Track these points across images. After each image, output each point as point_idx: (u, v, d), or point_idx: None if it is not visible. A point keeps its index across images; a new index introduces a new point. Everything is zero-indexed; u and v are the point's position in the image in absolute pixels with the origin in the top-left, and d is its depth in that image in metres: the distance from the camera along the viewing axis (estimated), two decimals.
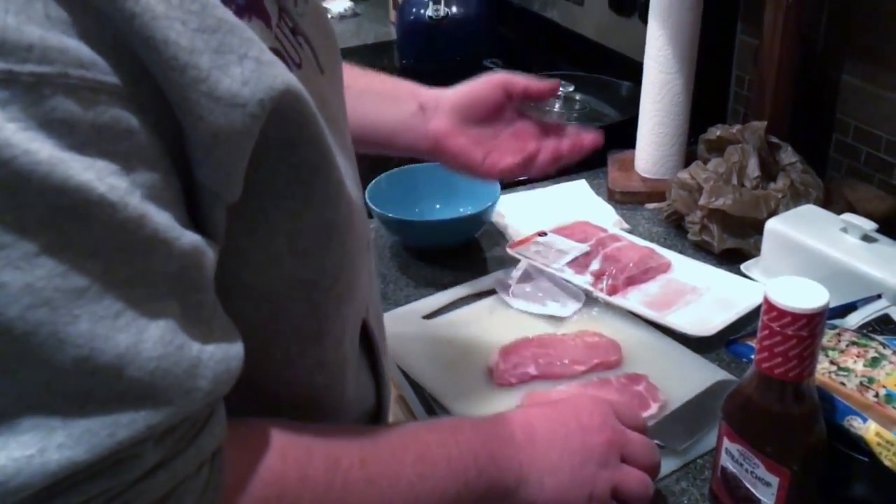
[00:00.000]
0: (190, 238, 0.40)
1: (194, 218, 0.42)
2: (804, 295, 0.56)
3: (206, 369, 0.40)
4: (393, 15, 1.96)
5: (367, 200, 1.06)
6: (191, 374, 0.39)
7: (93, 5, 0.36)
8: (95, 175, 0.35)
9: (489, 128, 0.85)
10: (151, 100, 0.38)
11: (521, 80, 0.87)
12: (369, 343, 0.62)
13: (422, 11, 1.71)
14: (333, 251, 0.52)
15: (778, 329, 0.56)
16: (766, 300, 0.56)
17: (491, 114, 0.85)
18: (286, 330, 0.51)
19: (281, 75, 0.43)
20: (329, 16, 2.04)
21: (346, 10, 2.07)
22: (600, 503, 0.62)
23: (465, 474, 0.57)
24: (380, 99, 0.85)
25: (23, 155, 0.33)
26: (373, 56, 1.85)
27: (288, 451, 0.48)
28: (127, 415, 0.37)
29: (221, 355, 0.41)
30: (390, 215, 1.02)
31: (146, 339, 0.37)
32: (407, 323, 0.92)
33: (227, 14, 0.41)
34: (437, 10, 1.68)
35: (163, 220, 0.38)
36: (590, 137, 0.85)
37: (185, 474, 0.41)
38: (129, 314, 0.37)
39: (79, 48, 0.35)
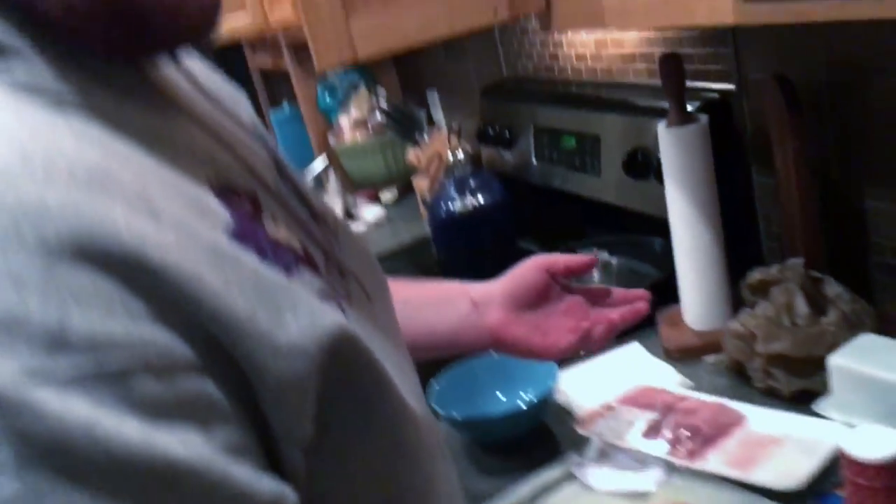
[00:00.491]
0: (269, 486, 0.42)
1: (274, 464, 0.44)
2: (882, 442, 0.56)
3: None
4: (424, 213, 2.07)
5: (430, 404, 1.08)
6: None
7: (165, 295, 0.40)
8: (182, 446, 0.38)
9: (541, 310, 0.89)
10: (222, 364, 0.42)
11: (561, 259, 0.92)
12: None
13: (451, 206, 1.80)
14: (405, 469, 0.53)
15: (864, 483, 0.56)
16: (844, 455, 0.56)
17: (540, 297, 0.90)
18: None
19: (333, 319, 0.46)
20: (364, 225, 2.16)
21: (379, 217, 2.19)
22: None
23: None
24: (435, 306, 0.89)
25: (116, 437, 0.36)
26: (411, 256, 1.94)
27: None
28: None
29: None
30: (455, 416, 1.04)
31: None
32: None
33: (278, 275, 0.45)
34: (465, 204, 1.77)
35: (244, 474, 0.41)
36: (640, 303, 0.88)
37: None
38: None
39: (155, 333, 0.39)
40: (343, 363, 0.47)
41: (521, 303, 0.88)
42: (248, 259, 0.44)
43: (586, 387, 1.15)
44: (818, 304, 1.05)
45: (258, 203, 0.51)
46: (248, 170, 0.54)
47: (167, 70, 0.54)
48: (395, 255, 1.96)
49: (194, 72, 0.60)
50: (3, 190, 0.37)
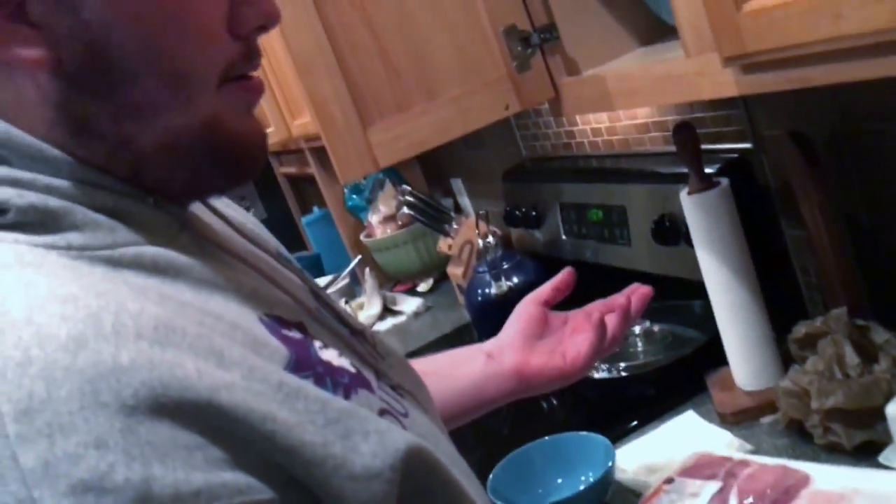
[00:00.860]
0: None
1: None
2: None
3: None
4: (462, 300, 2.09)
5: (491, 497, 1.07)
6: None
7: (241, 437, 0.42)
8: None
9: (551, 337, 0.93)
10: (300, 495, 0.43)
11: (544, 288, 0.97)
12: None
13: (487, 290, 1.81)
14: None
15: None
16: None
17: (544, 326, 0.94)
18: None
19: (401, 436, 0.48)
20: (405, 317, 2.18)
21: (418, 307, 2.21)
22: None
23: None
24: (452, 369, 0.91)
25: None
26: (454, 342, 1.94)
27: None
28: None
29: None
30: (514, 501, 1.03)
31: None
32: None
33: (342, 402, 0.48)
34: (500, 287, 1.79)
35: None
36: (641, 288, 0.91)
37: None
38: None
39: (236, 478, 0.41)
40: (417, 477, 0.49)
41: (529, 336, 0.92)
42: (311, 389, 0.46)
43: (646, 461, 1.13)
44: (868, 353, 1.03)
45: (306, 330, 0.54)
46: (292, 298, 0.57)
47: (195, 208, 0.58)
48: (438, 343, 1.97)
49: (217, 205, 0.63)
50: (78, 354, 0.39)
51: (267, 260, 0.62)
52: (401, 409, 0.56)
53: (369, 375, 0.56)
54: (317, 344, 0.53)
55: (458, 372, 0.91)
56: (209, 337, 0.44)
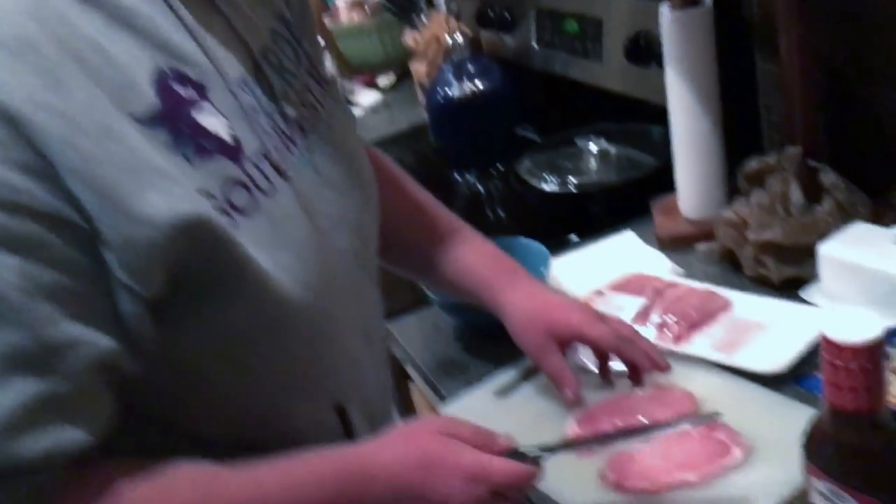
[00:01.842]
0: (67, 330, 0.50)
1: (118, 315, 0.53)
2: (860, 326, 0.56)
3: (35, 443, 0.50)
4: (422, 98, 2.03)
5: (424, 287, 1.09)
6: (10, 439, 0.50)
7: (34, 150, 0.48)
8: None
9: None
10: (75, 217, 0.49)
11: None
12: (348, 429, 0.69)
13: (448, 92, 1.76)
14: (269, 351, 0.60)
15: (840, 364, 0.57)
16: (823, 337, 0.57)
17: None
18: (230, 411, 0.62)
19: (194, 209, 0.53)
20: (361, 110, 2.13)
21: (376, 102, 2.15)
22: None
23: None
24: (463, 254, 0.92)
25: None
26: (408, 142, 1.91)
27: (99, 494, 0.55)
28: None
29: (53, 439, 0.51)
30: (445, 300, 1.05)
31: None
32: (481, 402, 0.94)
33: (153, 154, 0.52)
34: (462, 89, 1.74)
35: (44, 311, 0.49)
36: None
37: None
38: None
39: (13, 177, 0.47)
40: (200, 247, 0.53)
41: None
42: (139, 141, 0.52)
43: (578, 274, 1.15)
44: (813, 194, 1.04)
45: (205, 94, 0.58)
46: (232, 54, 0.61)
47: None
48: (393, 141, 1.93)
49: None
50: None
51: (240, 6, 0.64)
52: (265, 187, 0.60)
53: (249, 145, 0.60)
54: (204, 107, 0.57)
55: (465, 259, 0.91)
56: (64, 66, 0.50)
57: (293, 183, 0.65)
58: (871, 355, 0.56)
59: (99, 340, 0.52)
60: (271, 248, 0.60)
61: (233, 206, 0.58)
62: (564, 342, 0.86)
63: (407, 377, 1.18)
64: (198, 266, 0.55)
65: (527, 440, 0.85)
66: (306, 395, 0.66)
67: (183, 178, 0.54)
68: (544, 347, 0.85)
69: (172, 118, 0.55)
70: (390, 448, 0.66)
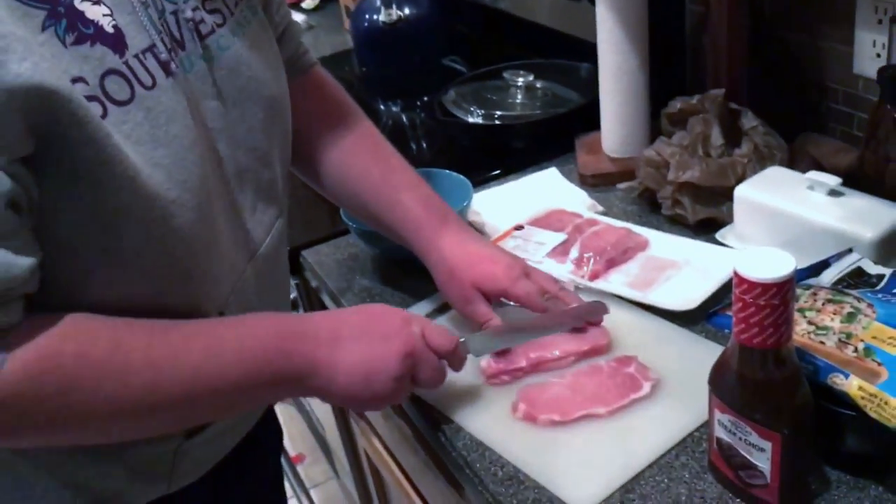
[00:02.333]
0: None
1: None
2: (772, 264, 0.57)
3: None
4: (347, 23, 1.97)
5: (343, 216, 1.07)
6: None
7: None
8: None
9: None
10: None
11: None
12: None
13: (375, 17, 1.71)
14: (139, 242, 0.61)
15: (750, 300, 0.57)
16: (736, 274, 0.58)
17: None
18: (110, 299, 0.63)
19: (54, 84, 0.53)
20: None
21: (301, 23, 2.07)
22: (383, 402, 0.74)
23: (253, 362, 0.66)
24: (401, 195, 0.91)
25: None
26: (332, 67, 1.84)
27: (70, 333, 0.59)
28: None
29: (2, 263, 0.54)
30: (362, 227, 1.03)
31: None
32: None
33: (20, 26, 0.53)
34: (389, 15, 1.69)
35: None
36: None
37: None
38: None
39: None
40: (57, 123, 0.54)
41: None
42: (7, 9, 0.52)
43: (500, 209, 1.15)
44: (734, 137, 1.05)
45: None
46: None
47: None
48: None
49: None
50: None
51: None
52: (146, 81, 0.60)
53: (137, 42, 0.60)
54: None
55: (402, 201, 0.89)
56: None
57: (180, 83, 0.64)
58: (779, 292, 0.57)
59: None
60: (148, 143, 0.60)
61: (107, 95, 0.58)
62: (489, 297, 0.86)
63: (323, 306, 1.16)
64: (59, 143, 0.56)
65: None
66: (186, 296, 0.68)
67: (51, 57, 0.54)
68: (469, 299, 0.86)
69: (50, 0, 0.55)
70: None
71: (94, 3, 0.58)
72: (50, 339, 0.58)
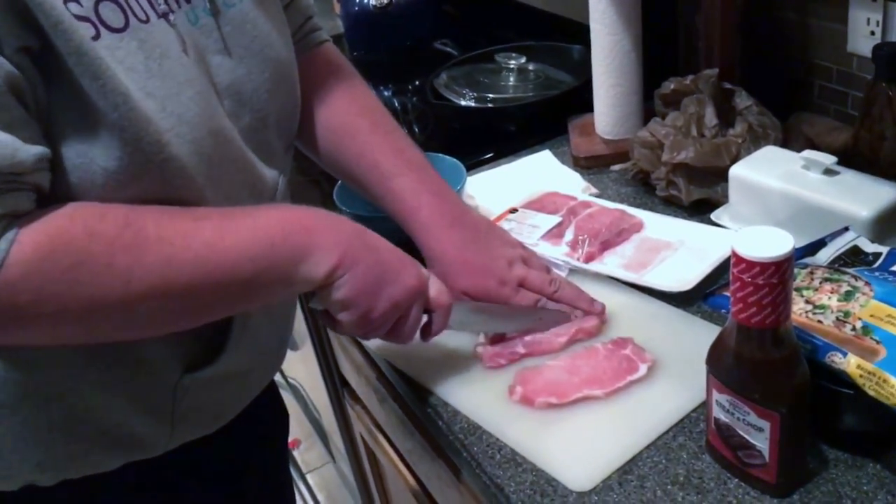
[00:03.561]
0: None
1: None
2: (770, 243, 0.57)
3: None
4: (338, 7, 1.95)
5: (336, 200, 1.06)
6: None
7: None
8: None
9: None
10: None
11: None
12: None
13: (365, 1, 1.70)
14: (138, 168, 0.60)
15: (748, 280, 0.57)
16: (734, 253, 0.57)
17: None
18: None
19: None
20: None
21: None
22: (373, 318, 0.72)
23: (269, 237, 0.65)
24: (392, 182, 0.89)
25: None
26: None
27: (77, 213, 0.58)
28: None
29: (7, 147, 0.54)
30: (360, 213, 1.02)
31: None
32: None
33: None
34: None
35: None
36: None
37: None
38: None
39: None
40: (34, 21, 0.55)
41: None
42: None
43: (494, 192, 1.14)
44: (727, 117, 1.05)
45: None
46: None
47: None
48: None
49: None
50: None
51: None
52: (140, 15, 0.61)
53: None
54: None
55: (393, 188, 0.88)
56: None
57: (179, 31, 0.64)
58: (778, 271, 0.56)
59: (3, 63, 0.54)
60: (142, 72, 0.60)
61: (100, 19, 0.58)
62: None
63: None
64: (52, 54, 0.56)
65: (435, 352, 0.85)
66: None
67: None
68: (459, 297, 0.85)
69: None
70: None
71: None
72: (59, 218, 0.57)
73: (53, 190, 0.59)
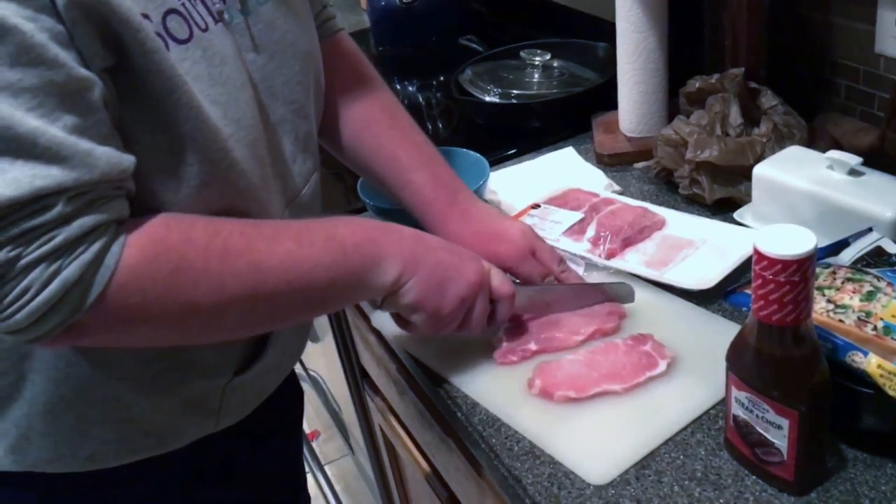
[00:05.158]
0: (82, 72, 0.55)
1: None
2: (792, 241, 0.57)
3: (99, 159, 0.56)
4: (364, 2, 1.96)
5: (360, 193, 1.07)
6: (88, 155, 0.55)
7: None
8: (11, 13, 0.52)
9: None
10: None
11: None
12: None
13: None
14: (205, 174, 0.63)
15: (770, 277, 0.57)
16: (756, 250, 0.58)
17: None
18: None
19: (114, 3, 0.56)
20: None
21: None
22: (445, 316, 0.76)
23: (342, 246, 0.69)
24: (411, 175, 0.91)
25: None
26: None
27: (172, 223, 0.62)
28: (44, 169, 0.53)
29: (113, 156, 0.57)
30: (382, 206, 1.03)
31: (54, 124, 0.53)
32: None
33: None
34: None
35: (61, 53, 0.54)
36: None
37: (91, 227, 0.56)
38: (39, 109, 0.53)
39: None
40: (118, 40, 0.57)
41: None
42: None
43: (517, 188, 1.15)
44: (752, 116, 1.05)
45: None
46: None
47: None
48: None
49: None
50: None
51: None
52: (200, 23, 0.63)
53: None
54: None
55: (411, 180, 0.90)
56: None
57: (228, 30, 0.67)
58: (800, 269, 0.56)
59: (100, 83, 0.56)
60: (205, 80, 0.63)
61: (168, 32, 0.61)
62: None
63: None
64: (131, 71, 0.58)
65: (455, 343, 0.85)
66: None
67: None
68: None
69: None
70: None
71: None
72: (156, 226, 0.61)
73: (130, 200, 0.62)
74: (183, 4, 0.62)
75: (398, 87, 1.63)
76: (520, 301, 0.83)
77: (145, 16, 0.59)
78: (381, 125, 0.92)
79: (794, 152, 0.96)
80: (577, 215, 1.02)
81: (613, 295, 0.88)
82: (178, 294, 0.60)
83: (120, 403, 0.72)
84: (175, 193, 0.64)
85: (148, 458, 0.76)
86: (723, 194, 1.01)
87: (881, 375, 0.62)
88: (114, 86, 0.58)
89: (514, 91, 1.39)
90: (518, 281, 0.87)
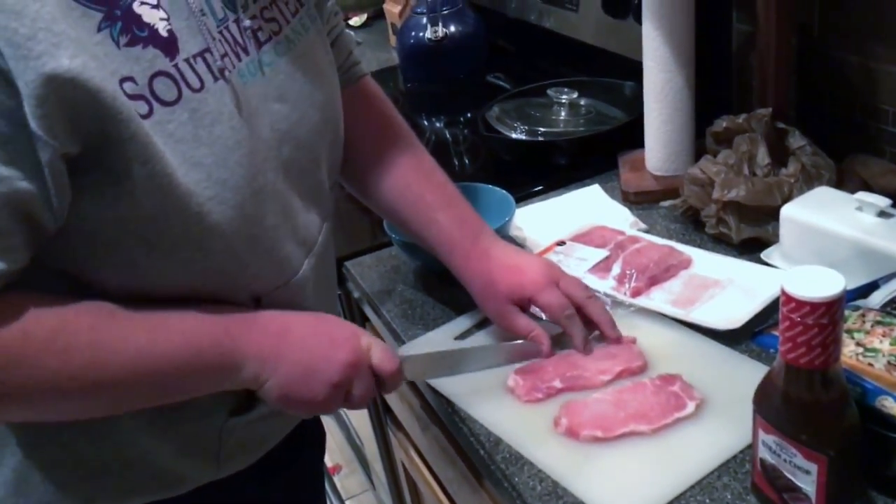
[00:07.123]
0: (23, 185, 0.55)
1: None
2: (821, 283, 0.57)
3: None
4: (393, 40, 1.99)
5: (385, 228, 1.08)
6: None
7: None
8: None
9: None
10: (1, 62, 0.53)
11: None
12: None
13: (421, 34, 1.73)
14: (177, 236, 0.63)
15: (798, 319, 0.57)
16: (784, 292, 0.57)
17: None
18: (140, 282, 0.66)
19: (101, 83, 0.56)
20: None
21: None
22: (315, 407, 0.74)
23: (198, 345, 0.68)
24: (438, 214, 0.92)
25: None
26: (378, 82, 1.88)
27: (17, 311, 0.60)
28: None
29: None
30: (406, 240, 1.04)
31: None
32: (440, 345, 0.93)
33: (76, 26, 0.56)
34: (435, 32, 1.71)
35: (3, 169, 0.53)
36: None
37: None
38: None
39: None
40: (90, 111, 0.56)
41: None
42: (64, 9, 0.55)
43: (543, 225, 1.15)
44: (780, 156, 1.04)
45: None
46: None
47: None
48: None
49: None
50: None
51: None
52: (194, 84, 0.63)
53: (189, 47, 0.63)
54: (144, 3, 0.60)
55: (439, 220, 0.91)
56: None
57: (234, 87, 0.67)
58: (828, 312, 0.56)
59: (18, 181, 0.55)
60: (190, 141, 0.63)
61: (154, 95, 0.61)
62: (522, 305, 0.87)
63: (365, 318, 1.17)
64: (102, 143, 0.58)
65: (478, 384, 0.85)
66: (223, 283, 0.70)
67: (103, 56, 0.57)
68: (506, 313, 0.87)
69: (108, 2, 0.58)
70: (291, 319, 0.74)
71: (153, 7, 0.61)
72: (2, 314, 0.60)
73: (93, 262, 0.63)
74: (176, 66, 0.62)
75: (426, 123, 1.65)
76: (415, 368, 0.82)
77: (128, 79, 0.59)
78: (406, 167, 0.93)
79: (823, 193, 0.95)
80: (603, 253, 1.02)
81: (518, 355, 0.86)
82: (16, 382, 0.61)
83: (117, 445, 0.72)
84: (145, 257, 0.64)
85: (153, 501, 0.76)
86: (750, 234, 1.00)
87: None
88: (66, 175, 0.58)
89: (541, 128, 1.40)
90: (540, 312, 0.87)
